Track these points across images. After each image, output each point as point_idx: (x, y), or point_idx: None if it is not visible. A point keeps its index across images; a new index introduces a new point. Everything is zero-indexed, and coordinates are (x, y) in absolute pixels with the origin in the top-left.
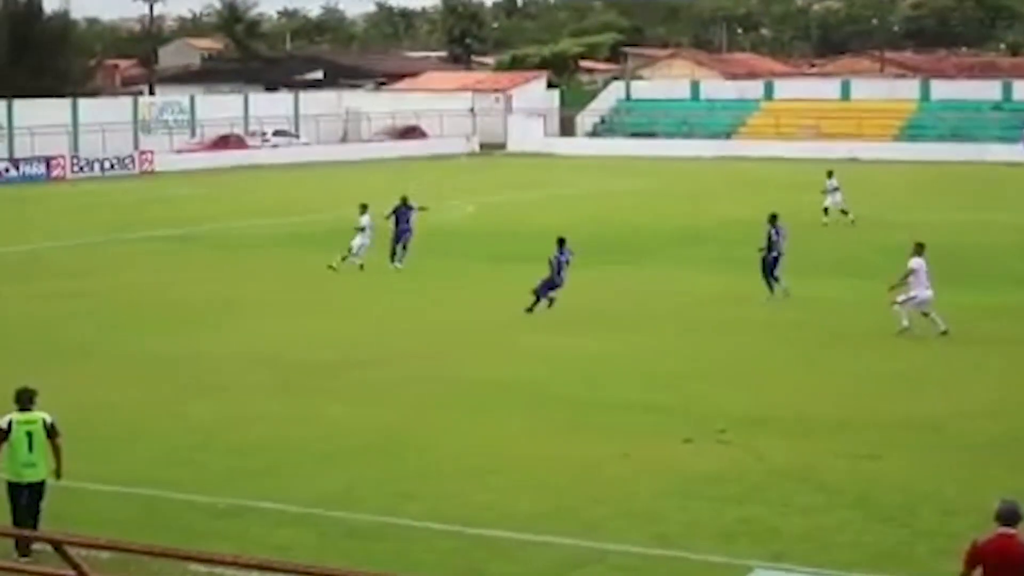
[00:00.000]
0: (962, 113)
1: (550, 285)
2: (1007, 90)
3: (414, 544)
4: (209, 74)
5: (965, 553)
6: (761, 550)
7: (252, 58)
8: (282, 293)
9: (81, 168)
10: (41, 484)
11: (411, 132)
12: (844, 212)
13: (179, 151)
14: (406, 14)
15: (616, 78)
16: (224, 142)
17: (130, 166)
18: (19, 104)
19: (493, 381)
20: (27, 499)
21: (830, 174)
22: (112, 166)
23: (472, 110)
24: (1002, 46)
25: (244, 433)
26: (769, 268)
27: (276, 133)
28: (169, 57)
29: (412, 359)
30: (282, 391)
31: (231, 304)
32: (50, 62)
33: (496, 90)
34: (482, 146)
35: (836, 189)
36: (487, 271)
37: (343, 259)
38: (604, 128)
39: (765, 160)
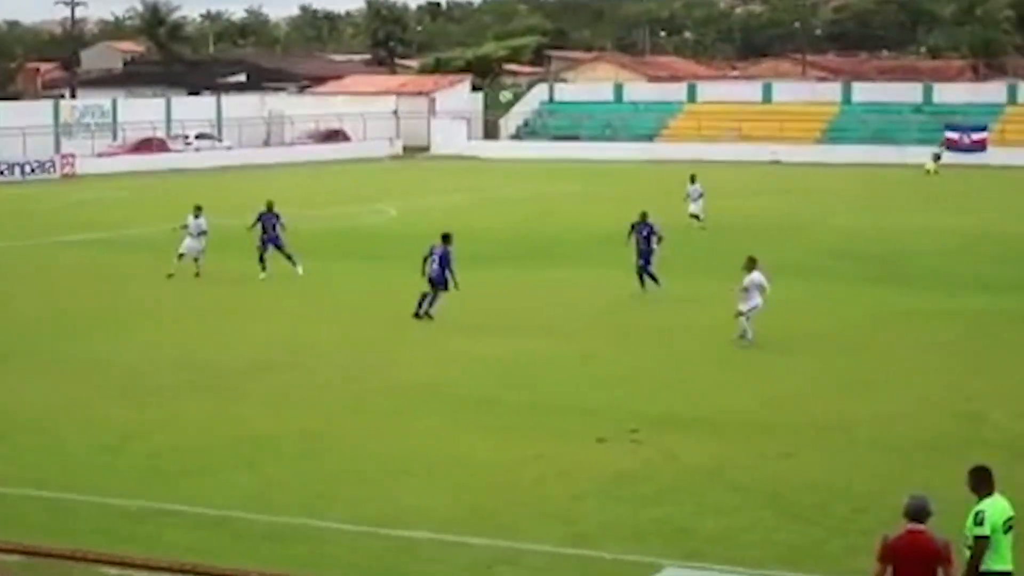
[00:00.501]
0: (883, 116)
1: (432, 283)
2: (928, 93)
3: (331, 546)
4: (131, 77)
5: (877, 550)
6: (674, 549)
7: (175, 61)
8: (201, 296)
9: (1, 172)
10: None
11: (334, 135)
12: (696, 217)
13: (101, 155)
14: (330, 17)
15: (540, 81)
16: (146, 145)
17: (51, 170)
18: None
19: (413, 383)
20: None
21: (693, 179)
22: (33, 170)
23: (396, 113)
24: (923, 49)
25: (161, 436)
26: (645, 264)
27: (199, 136)
28: (91, 60)
29: (331, 361)
30: (201, 394)
31: (152, 307)
32: None
33: (420, 93)
34: (406, 149)
35: (701, 196)
36: (409, 274)
37: (178, 261)
38: (528, 131)
39: (688, 162)
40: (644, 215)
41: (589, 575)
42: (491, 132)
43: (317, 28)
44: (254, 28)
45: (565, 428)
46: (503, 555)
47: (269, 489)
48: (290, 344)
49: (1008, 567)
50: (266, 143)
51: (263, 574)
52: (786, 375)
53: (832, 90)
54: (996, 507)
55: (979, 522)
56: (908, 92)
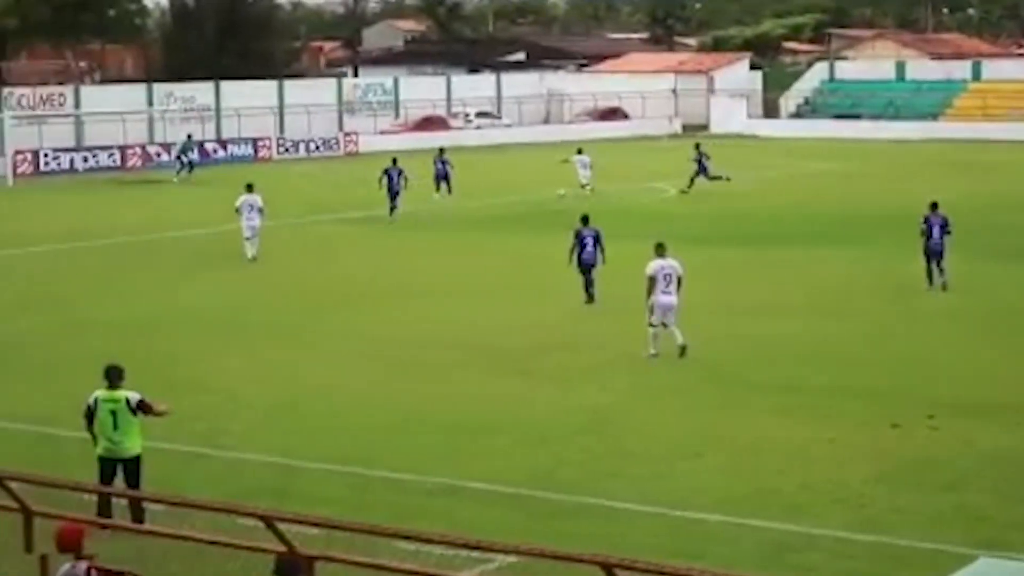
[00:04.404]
0: None
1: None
2: None
3: (620, 525)
4: (412, 56)
5: None
6: (970, 537)
7: (454, 40)
8: (472, 276)
9: (287, 149)
10: (132, 461)
11: (613, 113)
12: (583, 186)
13: (383, 132)
14: None
15: (820, 59)
16: (427, 123)
17: (335, 147)
18: (226, 86)
19: (696, 364)
20: (123, 473)
21: (580, 151)
22: (317, 147)
23: (674, 91)
24: None
25: (450, 413)
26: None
27: (479, 115)
28: (373, 39)
29: (611, 341)
30: (485, 373)
31: (432, 286)
32: (255, 45)
33: (698, 71)
34: (684, 127)
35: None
36: (693, 254)
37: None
38: (808, 110)
39: (971, 142)
40: (935, 205)
41: (881, 561)
42: (770, 111)
43: (595, 7)
44: (532, 7)
45: (859, 412)
46: (792, 539)
47: (559, 467)
48: (567, 324)
49: None
50: (545, 121)
51: (565, 554)
52: None
53: None
54: None
55: None
56: None
